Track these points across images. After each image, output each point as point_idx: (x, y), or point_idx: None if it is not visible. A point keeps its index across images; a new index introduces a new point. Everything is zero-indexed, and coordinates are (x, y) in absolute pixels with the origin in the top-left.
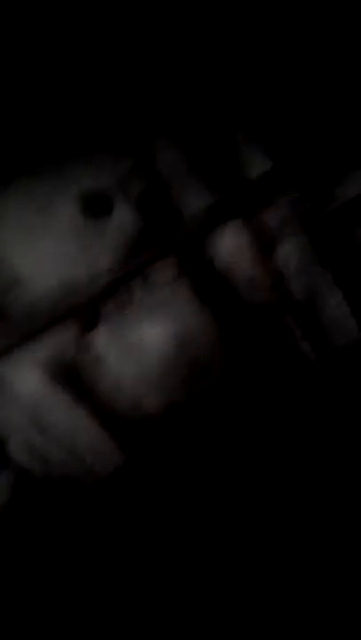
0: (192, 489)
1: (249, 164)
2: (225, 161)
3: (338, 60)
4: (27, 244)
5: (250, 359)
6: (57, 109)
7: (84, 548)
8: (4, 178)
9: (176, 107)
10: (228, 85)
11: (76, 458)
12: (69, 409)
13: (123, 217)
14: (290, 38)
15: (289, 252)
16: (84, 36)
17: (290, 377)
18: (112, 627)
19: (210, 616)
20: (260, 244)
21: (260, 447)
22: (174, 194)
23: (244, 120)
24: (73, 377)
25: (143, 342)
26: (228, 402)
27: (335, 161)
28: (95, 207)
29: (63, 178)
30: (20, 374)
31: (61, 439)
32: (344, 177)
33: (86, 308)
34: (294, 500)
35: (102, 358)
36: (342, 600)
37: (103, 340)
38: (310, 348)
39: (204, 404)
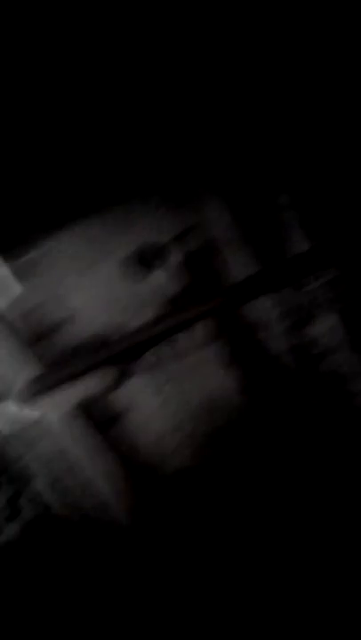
0: (205, 554)
1: (291, 241)
2: (271, 235)
3: None
4: (80, 285)
5: (277, 429)
6: (127, 154)
7: (90, 591)
8: (68, 214)
9: (232, 178)
10: (280, 164)
11: (97, 505)
12: (97, 455)
13: (172, 273)
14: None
15: (321, 331)
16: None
17: (319, 451)
18: None
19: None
20: (294, 318)
21: (282, 510)
22: (221, 258)
23: (293, 201)
24: (104, 423)
25: (175, 398)
26: (251, 465)
27: None
28: (149, 260)
29: (125, 226)
30: (53, 413)
31: (86, 484)
32: None
33: (125, 357)
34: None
35: (133, 409)
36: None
37: (137, 392)
38: (339, 427)
39: (227, 466)
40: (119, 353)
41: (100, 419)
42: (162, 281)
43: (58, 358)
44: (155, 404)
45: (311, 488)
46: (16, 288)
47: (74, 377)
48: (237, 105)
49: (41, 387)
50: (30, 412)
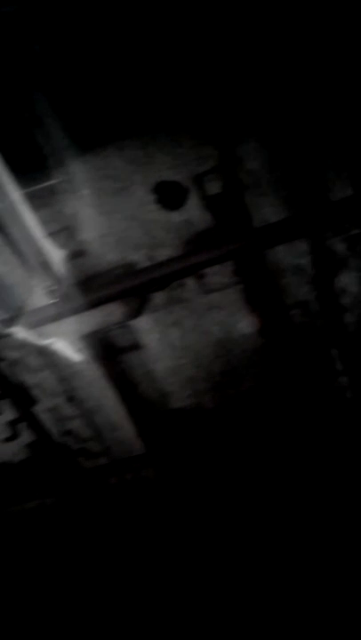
0: (201, 494)
1: (331, 187)
2: (307, 179)
3: None
4: (97, 220)
5: (285, 380)
6: (152, 86)
7: (82, 523)
8: (90, 143)
9: (270, 116)
10: (327, 106)
11: (95, 434)
12: (100, 387)
13: (192, 214)
14: None
15: (349, 283)
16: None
17: (323, 407)
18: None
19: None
20: (322, 267)
21: (280, 466)
22: (249, 201)
23: (335, 146)
24: (110, 357)
25: (183, 341)
26: (254, 416)
27: None
28: (169, 198)
29: (146, 161)
30: (63, 342)
31: (86, 413)
32: None
33: (137, 295)
34: (313, 524)
35: (141, 346)
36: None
37: (145, 330)
38: (348, 384)
39: (230, 413)
40: (131, 290)
41: (107, 353)
42: (180, 222)
43: (68, 289)
44: (160, 346)
45: (324, 437)
46: (29, 217)
47: (86, 308)
48: (281, 36)
49: (50, 315)
50: (38, 339)
